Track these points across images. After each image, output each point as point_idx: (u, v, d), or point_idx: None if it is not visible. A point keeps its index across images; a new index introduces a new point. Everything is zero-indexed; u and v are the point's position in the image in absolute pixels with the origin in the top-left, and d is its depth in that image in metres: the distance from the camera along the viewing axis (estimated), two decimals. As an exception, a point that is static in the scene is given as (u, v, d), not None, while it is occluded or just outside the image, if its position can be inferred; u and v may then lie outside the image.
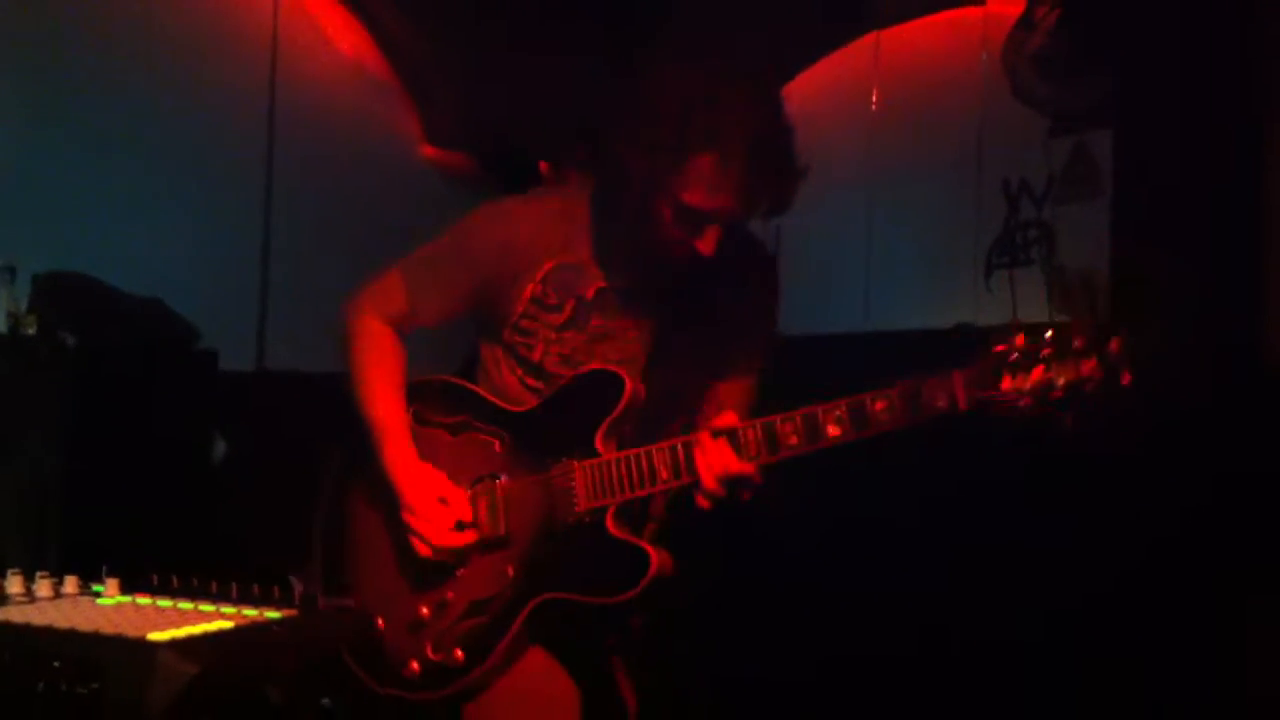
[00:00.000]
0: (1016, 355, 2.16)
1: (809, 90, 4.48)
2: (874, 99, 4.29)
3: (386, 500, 2.55)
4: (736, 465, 2.30)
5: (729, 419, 2.32)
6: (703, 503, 2.34)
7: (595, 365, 2.54)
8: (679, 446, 2.38)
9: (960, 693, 3.48)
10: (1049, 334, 2.15)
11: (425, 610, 2.50)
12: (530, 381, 2.61)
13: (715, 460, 2.30)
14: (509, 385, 2.63)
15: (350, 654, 2.47)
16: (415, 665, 2.48)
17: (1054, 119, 3.91)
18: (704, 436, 2.32)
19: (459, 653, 2.46)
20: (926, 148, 4.19)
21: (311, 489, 2.71)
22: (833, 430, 2.27)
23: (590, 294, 2.57)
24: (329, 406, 2.64)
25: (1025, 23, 4.08)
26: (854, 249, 4.37)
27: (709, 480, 2.31)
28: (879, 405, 2.24)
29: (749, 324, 2.63)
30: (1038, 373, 2.14)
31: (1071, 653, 3.36)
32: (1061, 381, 2.12)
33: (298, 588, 2.31)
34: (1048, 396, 2.14)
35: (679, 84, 2.39)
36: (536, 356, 2.59)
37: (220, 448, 3.96)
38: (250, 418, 4.08)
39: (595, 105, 2.59)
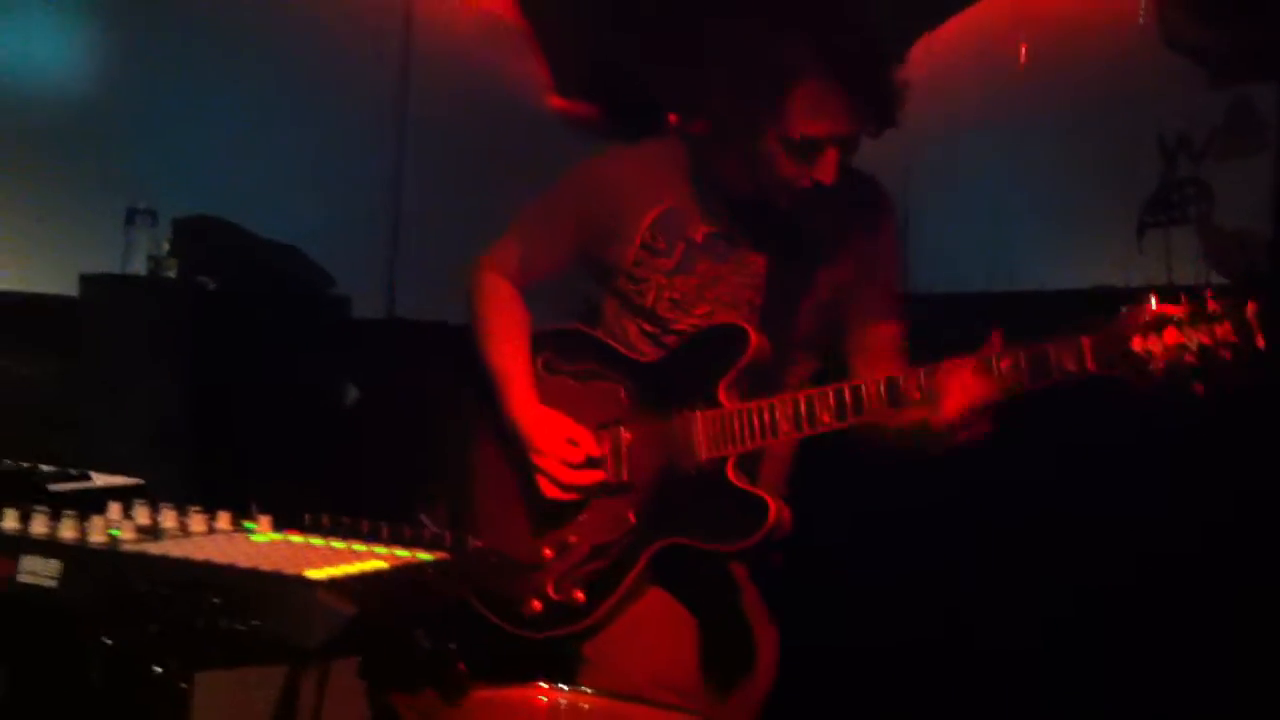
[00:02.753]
0: (1149, 317, 2.10)
1: (954, 42, 4.37)
2: (1022, 51, 4.17)
3: (510, 444, 2.59)
4: (990, 391, 2.23)
5: (997, 339, 2.25)
6: (941, 425, 2.28)
7: (723, 318, 2.55)
8: (801, 399, 2.39)
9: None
10: (1183, 296, 2.09)
11: (548, 551, 2.55)
12: (646, 328, 2.63)
13: (960, 388, 2.24)
14: (627, 332, 2.66)
15: (475, 593, 2.49)
16: (537, 604, 2.53)
17: (1214, 70, 3.76)
18: (951, 363, 2.26)
19: (580, 594, 2.50)
20: (1077, 101, 4.06)
21: (438, 434, 2.75)
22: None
23: (699, 238, 2.58)
24: (458, 354, 2.70)
25: (1180, -31, 3.93)
26: (996, 205, 4.26)
27: (952, 410, 2.25)
28: (1005, 363, 2.21)
29: (869, 264, 2.61)
30: (1170, 334, 2.07)
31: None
32: (1195, 345, 2.06)
33: (429, 528, 2.32)
34: (1181, 359, 2.07)
35: (762, 22, 2.38)
36: (649, 302, 2.60)
37: (352, 393, 4.00)
38: (381, 364, 4.12)
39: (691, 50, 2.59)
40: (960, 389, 2.25)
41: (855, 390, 2.35)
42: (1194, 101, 3.78)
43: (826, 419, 2.37)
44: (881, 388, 2.33)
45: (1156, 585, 3.27)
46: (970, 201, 4.31)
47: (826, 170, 2.39)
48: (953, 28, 4.40)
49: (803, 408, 2.39)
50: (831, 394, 2.37)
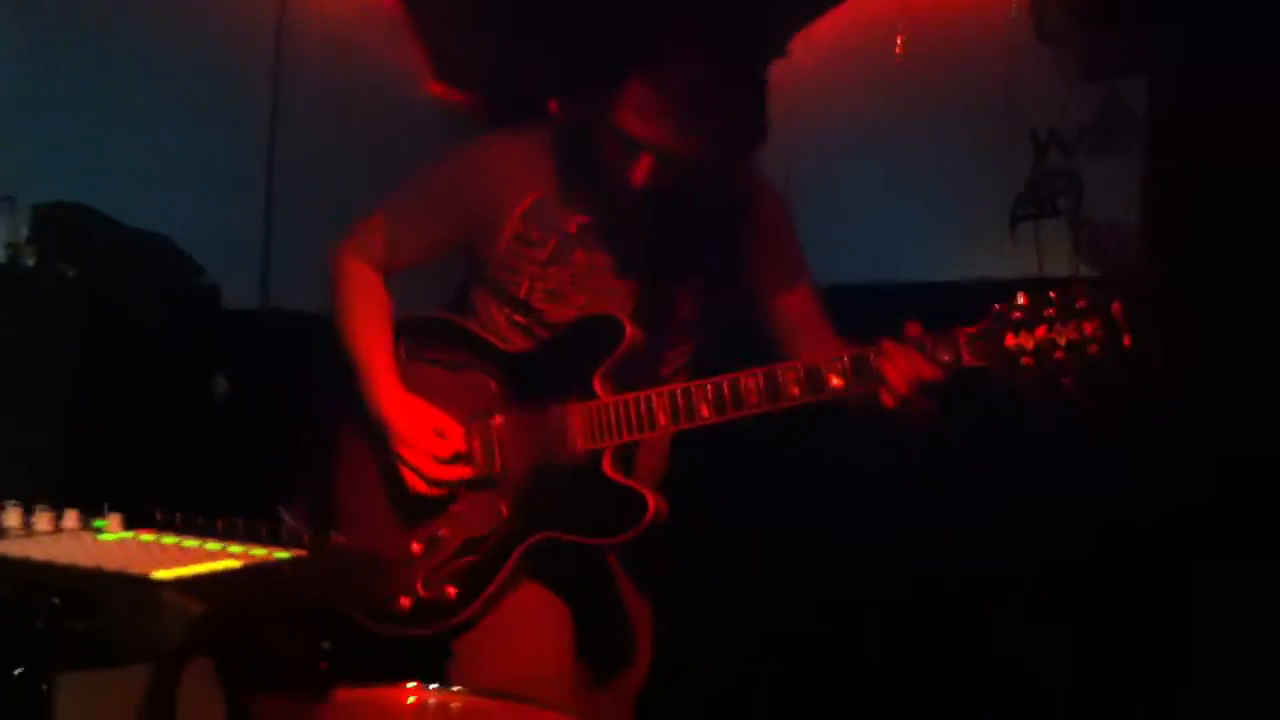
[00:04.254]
0: (1020, 314, 2.17)
1: (830, 35, 4.39)
2: (899, 43, 4.20)
3: (375, 436, 2.54)
4: (929, 370, 2.24)
5: (914, 328, 2.28)
6: (889, 401, 2.28)
7: (597, 309, 2.53)
8: (678, 392, 2.38)
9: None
10: (1052, 294, 2.16)
11: (417, 546, 2.52)
12: (517, 318, 2.61)
13: (906, 366, 2.24)
14: (497, 323, 2.63)
15: (339, 591, 2.44)
16: (405, 601, 2.49)
17: (1087, 65, 3.82)
18: (888, 344, 2.27)
19: (450, 590, 2.47)
20: (951, 95, 4.10)
21: (302, 426, 2.71)
22: (835, 381, 2.28)
23: (572, 228, 2.55)
24: (330, 345, 2.62)
25: (1055, -34, 3.99)
26: (874, 198, 4.30)
27: (901, 385, 2.25)
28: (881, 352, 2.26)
29: (759, 240, 2.61)
30: (1040, 331, 2.15)
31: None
32: (1063, 341, 2.14)
33: (288, 522, 2.27)
34: (1050, 356, 2.15)
35: (622, 12, 2.38)
36: (523, 293, 2.58)
37: (221, 384, 3.92)
38: (252, 355, 4.04)
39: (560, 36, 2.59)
40: (898, 372, 2.25)
41: (733, 384, 2.35)
42: (1066, 95, 3.84)
43: (705, 412, 2.37)
44: (760, 381, 2.33)
45: (1010, 578, 3.34)
46: (852, 194, 4.34)
47: (639, 173, 2.37)
48: (833, 19, 4.42)
49: (680, 400, 2.38)
50: (710, 387, 2.37)
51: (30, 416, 3.22)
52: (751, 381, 2.33)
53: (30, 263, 3.53)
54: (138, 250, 3.76)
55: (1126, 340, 2.11)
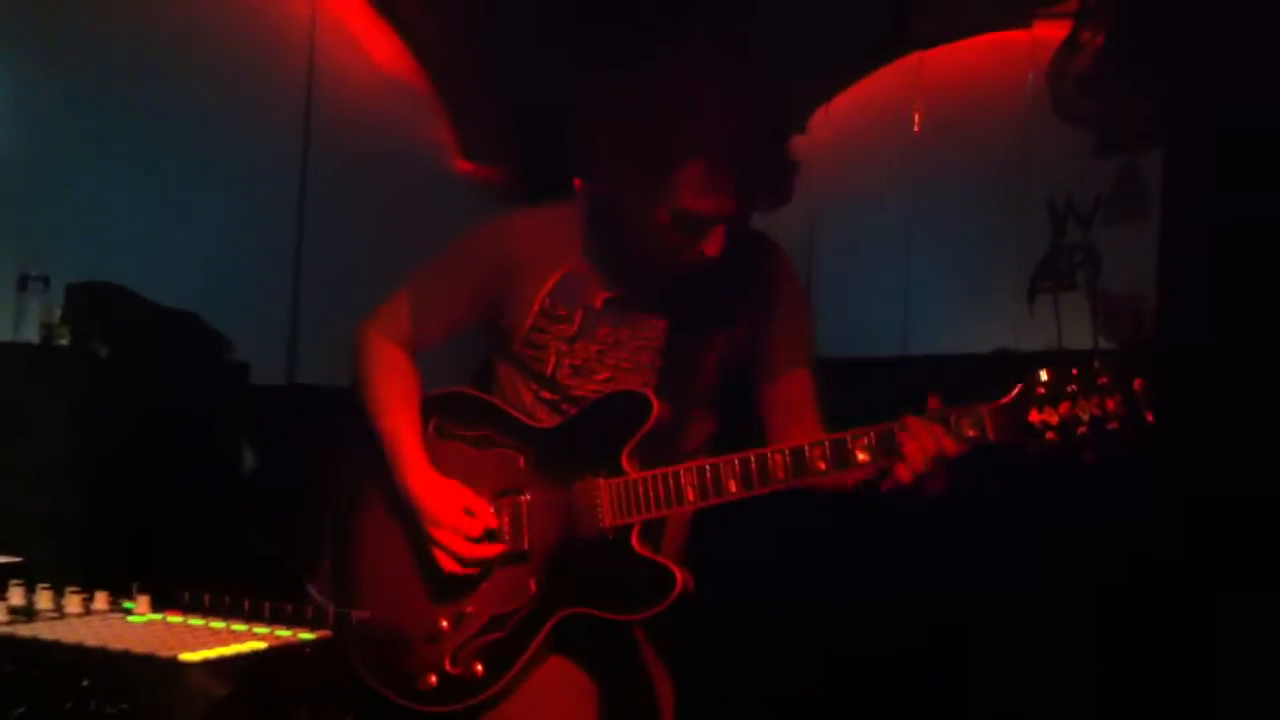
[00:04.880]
0: (1043, 389, 2.21)
1: (850, 110, 4.45)
2: (916, 120, 4.25)
3: (402, 513, 2.53)
4: (951, 446, 2.25)
5: (935, 401, 2.28)
6: (905, 478, 2.27)
7: (624, 383, 2.54)
8: (707, 468, 2.38)
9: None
10: (1074, 370, 2.20)
11: (445, 623, 2.49)
12: (545, 395, 2.60)
13: (929, 441, 2.25)
14: (523, 399, 2.62)
15: (367, 667, 2.45)
16: (433, 679, 2.46)
17: (1101, 139, 3.86)
18: (911, 420, 2.27)
19: (479, 666, 2.45)
20: (970, 169, 4.15)
21: (330, 502, 2.72)
22: (861, 456, 2.29)
23: (598, 304, 2.56)
24: (356, 422, 2.64)
25: (1071, 44, 4.03)
26: (893, 271, 4.33)
27: (919, 461, 2.25)
28: (908, 430, 2.25)
29: (773, 323, 2.63)
30: (1064, 408, 2.19)
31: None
32: (1086, 417, 2.18)
33: (316, 598, 2.29)
34: (1073, 431, 2.19)
35: (659, 92, 2.40)
36: (549, 369, 2.57)
37: (250, 460, 3.95)
38: (281, 431, 4.07)
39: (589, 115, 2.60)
40: (919, 448, 2.24)
41: (761, 459, 2.36)
42: (1083, 168, 3.87)
43: (733, 488, 2.37)
44: (787, 457, 2.34)
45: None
46: (872, 266, 4.37)
47: (713, 244, 2.40)
48: (851, 96, 4.47)
49: (708, 476, 2.38)
50: (737, 462, 2.38)
51: (62, 496, 3.25)
52: (779, 457, 2.34)
53: (64, 342, 3.57)
54: (168, 328, 3.80)
55: (1149, 417, 2.15)
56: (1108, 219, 3.82)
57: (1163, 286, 3.47)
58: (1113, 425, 2.17)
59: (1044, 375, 2.21)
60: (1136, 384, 2.16)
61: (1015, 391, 2.23)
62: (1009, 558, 3.42)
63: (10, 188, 3.95)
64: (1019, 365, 2.25)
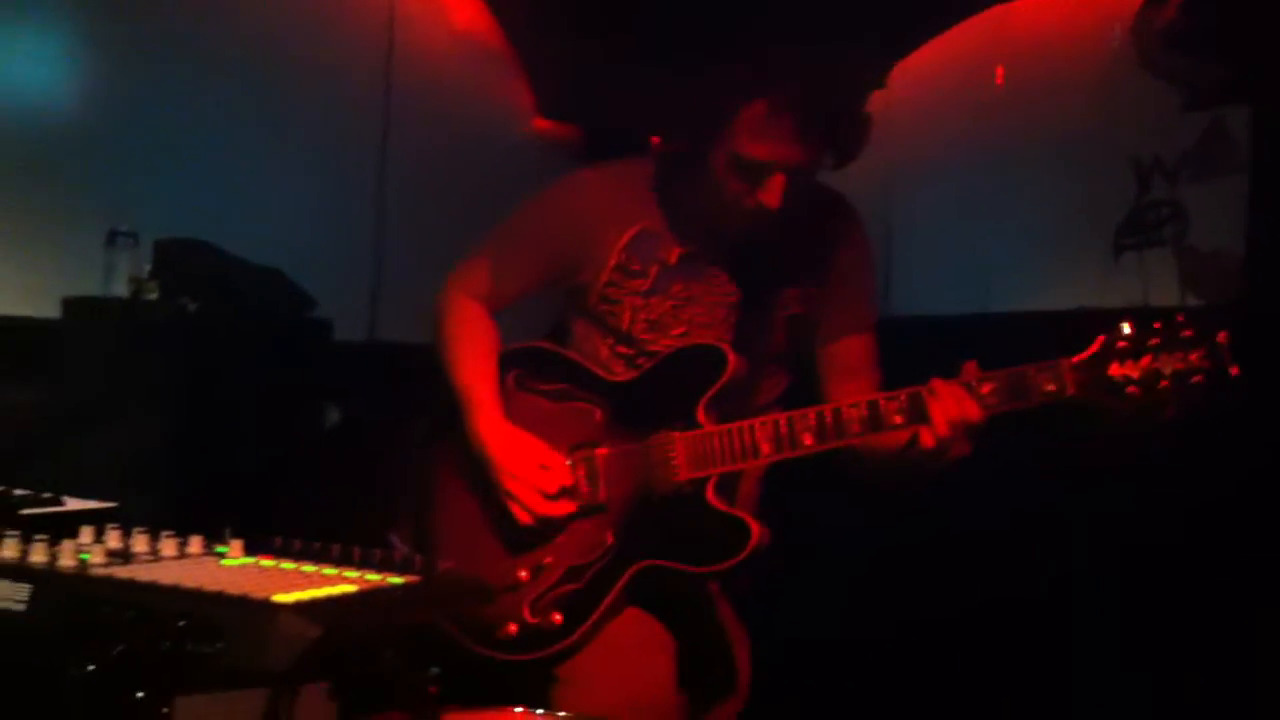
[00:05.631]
0: (1125, 343, 2.19)
1: (929, 66, 4.40)
2: (998, 75, 4.20)
3: (479, 467, 2.57)
4: (976, 413, 2.27)
5: (971, 367, 2.31)
6: (929, 442, 2.31)
7: (698, 339, 2.56)
8: (782, 421, 2.41)
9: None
10: (1157, 324, 2.18)
11: (523, 573, 2.53)
12: (620, 349, 2.64)
13: (952, 407, 2.27)
14: (599, 353, 2.66)
15: (446, 615, 2.49)
16: (513, 628, 2.51)
17: (1187, 94, 3.79)
18: (938, 383, 2.30)
19: (557, 616, 2.50)
20: (1052, 124, 4.09)
21: (411, 455, 2.75)
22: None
23: (673, 259, 2.59)
24: (435, 377, 2.69)
25: (1156, -2, 3.97)
26: (976, 228, 4.29)
27: (944, 427, 2.28)
28: (987, 387, 2.27)
29: (842, 283, 2.62)
30: (1145, 361, 2.17)
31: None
32: (1169, 371, 2.15)
33: (399, 548, 2.33)
34: (1155, 385, 2.16)
35: (724, 37, 2.40)
36: (624, 324, 2.61)
37: (333, 415, 4.00)
38: (363, 387, 4.12)
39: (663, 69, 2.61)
40: (942, 412, 2.27)
41: (836, 413, 2.37)
42: (1169, 124, 3.81)
43: (808, 441, 2.39)
44: (863, 410, 2.35)
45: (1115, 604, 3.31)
46: (949, 223, 4.33)
47: (772, 194, 2.40)
48: (931, 52, 4.42)
49: (784, 429, 2.41)
50: (813, 415, 2.39)
51: (154, 446, 3.31)
52: (854, 411, 2.35)
53: (153, 297, 3.64)
54: (253, 284, 3.86)
55: (1233, 370, 2.12)
56: (1195, 175, 3.76)
57: (1251, 243, 3.42)
58: (1196, 379, 2.14)
59: (1126, 328, 2.20)
60: (1221, 337, 2.13)
61: (1096, 345, 2.21)
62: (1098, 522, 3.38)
63: (100, 147, 4.03)
64: (1102, 321, 2.22)
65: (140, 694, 1.58)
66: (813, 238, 2.60)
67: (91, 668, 1.61)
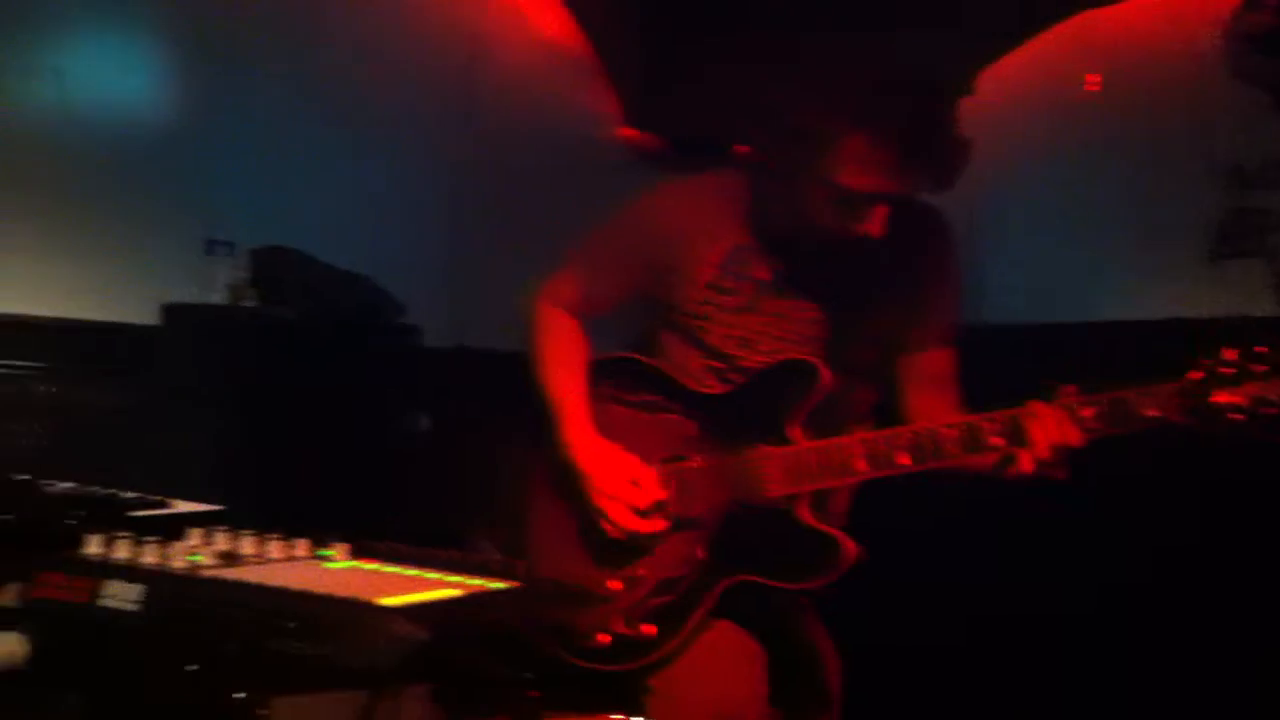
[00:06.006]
0: (1228, 369, 2.12)
1: (1017, 73, 4.36)
2: (1087, 81, 4.15)
3: (570, 479, 2.57)
4: (1078, 437, 2.24)
5: (1070, 391, 2.28)
6: (1028, 466, 2.28)
7: (791, 354, 2.54)
8: (880, 439, 2.38)
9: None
10: (1259, 349, 2.12)
11: (617, 584, 2.53)
12: (712, 363, 2.62)
13: (1054, 430, 2.25)
14: (689, 365, 2.64)
15: (539, 623, 2.50)
16: (605, 638, 2.50)
17: (1280, 100, 3.73)
18: (1038, 405, 2.27)
19: (650, 628, 2.48)
20: (1143, 131, 4.04)
21: (504, 463, 2.77)
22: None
23: (766, 276, 2.56)
24: (524, 385, 2.69)
25: (1250, 2, 3.90)
26: (1063, 237, 4.24)
27: (1046, 451, 2.25)
28: (1087, 411, 2.23)
29: (930, 295, 2.60)
30: (1251, 388, 2.11)
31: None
32: (1275, 397, 2.09)
33: (497, 556, 2.35)
34: (1260, 413, 2.10)
35: (822, 65, 2.37)
36: (714, 340, 2.60)
37: (424, 422, 4.04)
38: (452, 394, 4.16)
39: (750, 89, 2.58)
40: (1044, 436, 2.24)
41: (933, 433, 2.34)
42: (1265, 131, 3.74)
43: (904, 460, 2.36)
44: (962, 430, 2.32)
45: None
46: (1037, 232, 4.29)
47: (875, 224, 2.38)
48: (1020, 57, 4.38)
49: (881, 447, 2.38)
50: (908, 435, 2.36)
51: (257, 451, 3.37)
52: (952, 432, 2.32)
53: (250, 303, 3.71)
54: (345, 291, 3.91)
55: None
56: (1293, 183, 3.69)
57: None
58: None
59: (1226, 354, 2.13)
60: None
61: (1200, 371, 2.15)
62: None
63: (197, 159, 4.11)
64: (1196, 332, 2.17)
65: (240, 694, 1.61)
66: (903, 253, 2.57)
67: (195, 667, 1.64)
